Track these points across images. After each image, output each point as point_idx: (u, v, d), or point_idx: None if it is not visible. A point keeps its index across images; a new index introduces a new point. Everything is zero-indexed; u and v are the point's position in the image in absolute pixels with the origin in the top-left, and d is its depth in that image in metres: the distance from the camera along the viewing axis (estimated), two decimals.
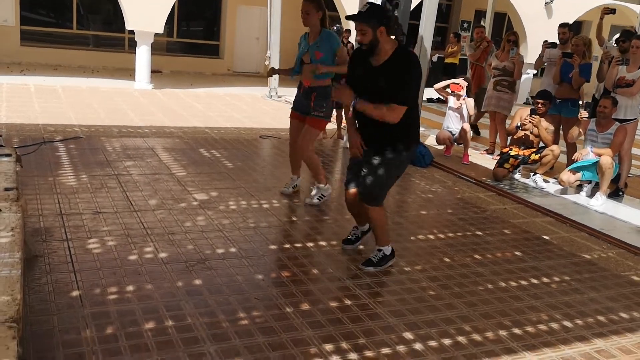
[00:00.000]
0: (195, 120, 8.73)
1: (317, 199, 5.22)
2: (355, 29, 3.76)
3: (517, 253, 4.62)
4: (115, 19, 13.97)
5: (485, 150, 8.36)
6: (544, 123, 6.76)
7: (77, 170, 5.52)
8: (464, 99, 7.59)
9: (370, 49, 3.67)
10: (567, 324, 3.53)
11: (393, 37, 3.78)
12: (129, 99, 9.96)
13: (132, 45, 12.32)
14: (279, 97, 11.85)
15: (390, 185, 3.99)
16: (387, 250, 4.08)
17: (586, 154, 6.35)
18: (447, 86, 7.79)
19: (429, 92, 10.55)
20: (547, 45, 7.72)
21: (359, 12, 3.73)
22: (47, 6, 14.27)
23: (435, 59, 14.84)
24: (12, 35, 13.10)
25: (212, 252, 4.00)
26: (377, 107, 3.63)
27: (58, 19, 14.30)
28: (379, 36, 3.61)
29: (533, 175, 6.82)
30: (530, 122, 6.76)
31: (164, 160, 6.21)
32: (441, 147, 8.01)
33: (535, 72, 15.16)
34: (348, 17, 3.81)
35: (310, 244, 4.34)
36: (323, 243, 4.38)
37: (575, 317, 3.63)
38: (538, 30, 15.61)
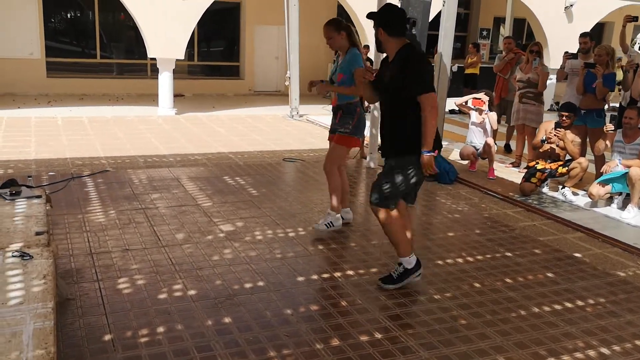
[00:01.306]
0: (219, 145, 8.81)
1: (325, 225, 5.06)
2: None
3: (549, 274, 4.53)
4: (137, 45, 14.23)
5: (511, 164, 8.25)
6: (570, 135, 6.65)
7: (105, 206, 5.61)
8: (486, 114, 7.52)
9: (377, 46, 3.94)
10: (605, 350, 3.44)
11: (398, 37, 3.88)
12: (153, 127, 10.11)
13: (155, 70, 12.53)
14: (300, 116, 11.90)
15: (398, 188, 3.86)
16: (409, 262, 3.98)
17: (615, 166, 6.23)
18: (468, 101, 7.74)
19: (451, 104, 10.50)
20: (568, 56, 7.61)
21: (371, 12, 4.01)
22: (70, 36, 14.61)
23: (455, 68, 14.77)
24: (38, 67, 13.43)
25: (240, 287, 4.01)
26: (425, 127, 3.70)
27: (82, 48, 14.62)
28: (379, 36, 3.85)
29: (562, 188, 6.71)
30: (555, 135, 6.67)
31: (190, 191, 6.27)
32: (465, 163, 7.94)
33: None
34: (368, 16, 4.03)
35: (337, 274, 4.32)
36: (350, 272, 4.36)
37: (612, 342, 3.54)
38: (559, 35, 15.43)
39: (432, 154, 3.73)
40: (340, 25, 4.90)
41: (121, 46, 15.06)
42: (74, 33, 14.68)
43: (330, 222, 5.12)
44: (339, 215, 5.16)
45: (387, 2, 4.39)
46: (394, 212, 3.91)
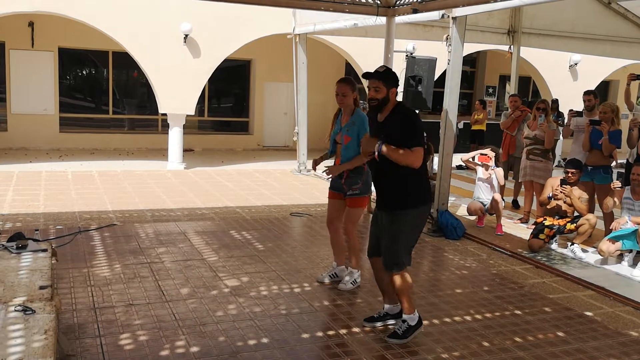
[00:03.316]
0: (226, 200, 8.84)
1: (351, 284, 5.12)
2: (369, 86, 4.02)
3: (560, 333, 4.43)
4: (149, 101, 14.54)
5: (519, 220, 8.21)
6: (577, 192, 6.64)
7: (111, 260, 5.60)
8: (492, 170, 7.54)
9: (379, 105, 3.99)
10: None
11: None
12: (162, 181, 10.19)
13: (165, 125, 12.75)
14: (308, 171, 11.98)
15: (408, 247, 4.06)
16: (412, 319, 4.08)
17: (624, 223, 6.18)
18: (475, 157, 7.77)
19: (457, 160, 10.55)
20: (573, 114, 7.69)
21: (377, 71, 4.06)
22: (84, 92, 14.97)
23: (461, 125, 14.91)
24: (51, 123, 13.70)
25: (243, 344, 3.95)
26: (398, 151, 3.85)
27: (95, 104, 14.94)
28: (390, 96, 3.97)
29: (571, 245, 6.64)
30: (562, 192, 6.65)
31: (196, 245, 6.26)
32: (473, 218, 7.90)
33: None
34: (365, 75, 4.13)
35: (343, 331, 4.25)
36: (356, 329, 4.29)
37: None
38: (564, 94, 15.61)
39: (377, 145, 3.88)
40: (354, 85, 5.04)
41: (133, 102, 15.38)
42: (88, 89, 15.05)
43: (355, 279, 5.17)
44: (359, 272, 5.23)
45: (385, 65, 4.57)
46: (407, 274, 4.06)
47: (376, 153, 3.93)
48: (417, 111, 4.52)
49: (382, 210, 4.13)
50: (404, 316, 4.11)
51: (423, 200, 4.05)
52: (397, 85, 4.03)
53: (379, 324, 4.36)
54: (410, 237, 4.05)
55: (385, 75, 4.00)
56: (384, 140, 3.90)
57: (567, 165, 6.82)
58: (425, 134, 4.05)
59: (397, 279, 4.01)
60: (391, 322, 4.35)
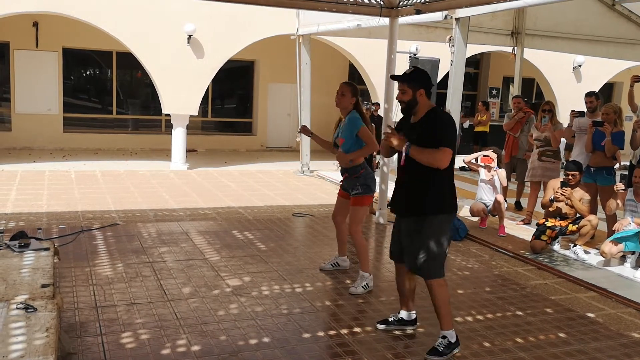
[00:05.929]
0: (229, 200, 8.86)
1: (362, 287, 5.06)
2: (398, 88, 3.97)
3: (561, 334, 4.42)
4: (152, 102, 14.58)
5: (522, 221, 8.19)
6: (578, 193, 6.62)
7: (113, 259, 5.62)
8: (495, 171, 7.54)
9: (408, 107, 3.91)
10: None
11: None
12: (164, 181, 10.22)
13: (169, 126, 12.78)
14: (311, 172, 11.99)
15: (443, 252, 3.90)
16: (452, 336, 3.94)
17: (627, 224, 6.16)
18: (477, 158, 7.78)
19: (460, 162, 10.54)
20: (575, 114, 7.68)
21: (404, 73, 3.99)
22: (88, 92, 15.02)
23: (466, 125, 14.90)
24: (55, 122, 13.75)
25: (244, 343, 3.95)
26: (426, 151, 3.75)
27: (99, 104, 14.99)
28: (417, 97, 3.87)
29: (573, 246, 6.63)
30: (562, 194, 6.63)
31: (198, 245, 6.27)
32: (476, 219, 7.90)
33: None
34: (392, 77, 4.14)
35: (344, 331, 4.25)
36: (357, 329, 4.29)
37: None
38: (568, 95, 15.59)
39: (405, 147, 3.77)
40: (356, 91, 5.18)
41: (137, 102, 15.42)
42: (92, 90, 15.09)
43: (366, 284, 5.11)
44: (371, 276, 5.20)
45: (415, 66, 4.50)
46: (445, 285, 3.94)
47: (403, 155, 3.79)
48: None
49: (407, 218, 3.96)
50: (443, 332, 3.93)
51: (450, 205, 3.92)
52: (426, 86, 3.87)
53: (392, 327, 4.29)
54: (442, 245, 3.86)
55: (409, 77, 3.89)
56: (415, 142, 3.77)
57: (567, 167, 6.79)
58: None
59: (436, 289, 3.87)
60: (410, 329, 4.30)
